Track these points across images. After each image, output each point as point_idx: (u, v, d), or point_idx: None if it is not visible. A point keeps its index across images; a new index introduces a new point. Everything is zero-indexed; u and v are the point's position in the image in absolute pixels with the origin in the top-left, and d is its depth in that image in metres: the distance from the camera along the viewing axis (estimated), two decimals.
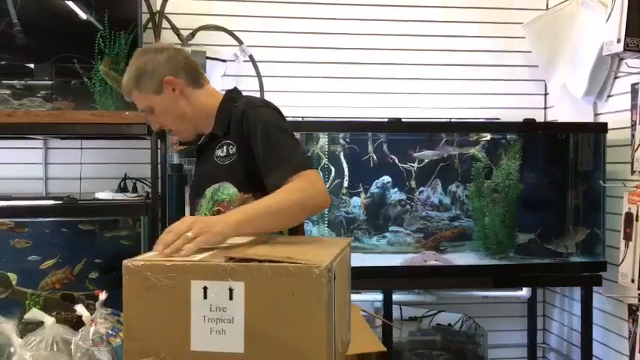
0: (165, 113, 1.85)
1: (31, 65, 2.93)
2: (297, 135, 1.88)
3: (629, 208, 2.52)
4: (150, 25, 3.22)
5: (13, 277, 2.70)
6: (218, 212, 1.74)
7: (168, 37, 3.27)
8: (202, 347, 1.16)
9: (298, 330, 1.15)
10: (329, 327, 1.17)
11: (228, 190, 1.79)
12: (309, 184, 1.60)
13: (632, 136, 2.72)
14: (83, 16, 2.91)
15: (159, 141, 2.91)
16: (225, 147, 1.80)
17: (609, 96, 3.04)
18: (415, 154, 3.12)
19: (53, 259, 2.71)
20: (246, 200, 1.72)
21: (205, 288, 1.16)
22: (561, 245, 3.11)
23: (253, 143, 1.72)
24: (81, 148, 3.24)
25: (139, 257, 1.29)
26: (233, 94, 1.90)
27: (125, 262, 1.20)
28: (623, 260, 2.54)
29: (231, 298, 1.16)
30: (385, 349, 1.60)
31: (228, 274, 1.16)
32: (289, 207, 1.56)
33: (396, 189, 3.20)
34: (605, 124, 2.98)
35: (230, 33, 3.30)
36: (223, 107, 1.86)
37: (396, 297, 2.98)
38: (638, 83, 2.68)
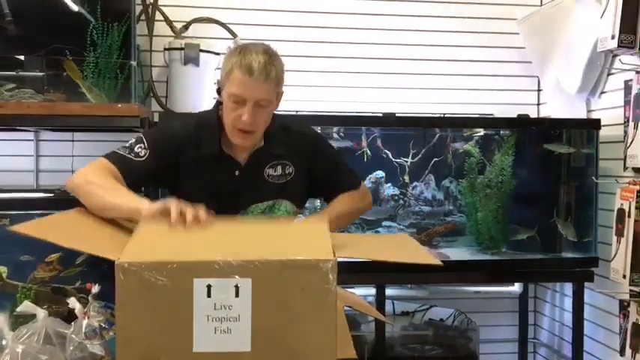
0: (268, 114, 1.85)
1: (22, 57, 2.89)
2: None
3: (622, 205, 2.52)
4: (143, 17, 3.20)
5: (3, 269, 2.68)
6: None
7: (161, 29, 3.25)
8: (206, 348, 1.12)
9: (308, 325, 1.13)
10: (336, 322, 1.15)
11: (286, 206, 1.93)
12: (365, 195, 2.10)
13: (625, 132, 2.73)
14: (74, 7, 2.87)
15: None
16: (279, 167, 1.91)
17: (602, 92, 3.04)
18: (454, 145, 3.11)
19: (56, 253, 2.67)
20: (299, 213, 1.98)
21: (209, 286, 1.12)
22: (554, 241, 3.12)
23: (325, 162, 2.01)
24: (72, 141, 3.21)
25: (130, 251, 1.25)
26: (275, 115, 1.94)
27: (118, 261, 1.15)
28: (615, 256, 2.55)
29: (237, 295, 1.13)
30: (355, 356, 1.56)
31: (234, 271, 1.13)
32: (354, 212, 2.07)
33: (389, 184, 3.19)
34: (598, 120, 2.98)
35: (224, 26, 3.28)
36: (272, 126, 1.90)
37: (388, 292, 2.98)
38: (631, 80, 2.68)
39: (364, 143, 3.11)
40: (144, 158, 1.83)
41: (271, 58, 1.80)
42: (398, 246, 1.56)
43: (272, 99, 1.81)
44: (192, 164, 1.87)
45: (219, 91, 1.88)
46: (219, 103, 1.91)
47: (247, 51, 1.78)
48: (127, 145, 1.85)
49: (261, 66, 1.76)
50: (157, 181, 2.05)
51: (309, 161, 1.95)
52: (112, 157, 1.84)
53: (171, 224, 1.43)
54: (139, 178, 1.84)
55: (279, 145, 1.91)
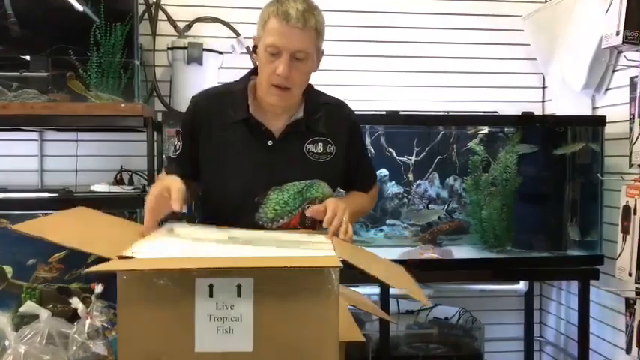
0: (307, 74, 1.75)
1: (27, 57, 2.90)
2: None
3: (627, 202, 2.51)
4: (146, 16, 3.20)
5: (8, 269, 2.69)
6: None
7: (164, 28, 3.25)
8: (208, 348, 1.12)
9: (310, 325, 1.12)
10: (338, 322, 1.15)
11: (322, 188, 1.79)
12: (374, 198, 2.04)
13: (630, 129, 2.71)
14: (79, 7, 2.88)
15: (155, 133, 2.89)
16: (321, 144, 1.78)
17: (608, 89, 3.03)
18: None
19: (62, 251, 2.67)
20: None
21: (211, 285, 1.12)
22: (559, 239, 3.11)
23: (359, 150, 1.92)
24: (77, 140, 3.22)
25: (131, 251, 1.26)
26: (312, 87, 1.85)
27: (120, 260, 1.15)
28: (620, 254, 2.53)
29: (239, 294, 1.12)
30: (363, 339, 1.56)
31: (236, 270, 1.12)
32: (367, 210, 2.04)
33: (393, 182, 3.19)
34: (604, 117, 2.97)
35: (227, 25, 3.28)
36: (313, 100, 1.81)
37: (393, 290, 2.97)
38: (636, 76, 2.67)
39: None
40: (180, 150, 1.80)
41: (311, 8, 1.68)
42: (393, 271, 1.54)
43: (310, 52, 1.69)
44: (214, 134, 1.75)
45: (254, 49, 1.77)
46: (250, 72, 1.84)
47: (286, 1, 1.67)
48: (175, 142, 1.85)
49: (299, 13, 1.63)
50: None
51: (348, 145, 1.83)
52: (167, 164, 1.90)
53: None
54: (187, 170, 1.75)
55: (320, 121, 1.79)
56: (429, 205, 3.20)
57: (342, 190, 2.01)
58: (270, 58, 1.66)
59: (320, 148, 1.78)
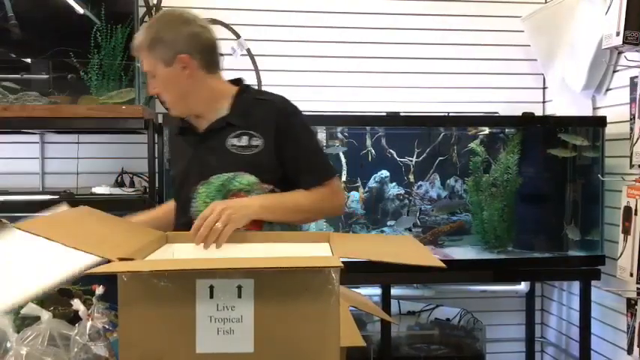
0: (166, 85, 1.81)
1: (28, 60, 2.91)
2: None
3: (628, 202, 2.51)
4: (147, 18, 3.20)
5: None
6: None
7: None
8: (209, 349, 1.11)
9: (311, 326, 1.12)
10: (339, 323, 1.15)
11: (247, 179, 1.78)
12: (333, 195, 1.83)
13: (631, 129, 2.71)
14: (80, 10, 2.88)
15: (156, 135, 2.90)
16: (244, 137, 1.79)
17: (608, 89, 3.03)
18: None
19: None
20: (268, 191, 1.79)
21: (212, 287, 1.12)
22: (561, 239, 3.11)
23: (292, 143, 1.81)
24: (78, 143, 3.22)
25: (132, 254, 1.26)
26: (248, 86, 1.92)
27: (121, 262, 1.16)
28: (621, 254, 2.53)
29: (239, 296, 1.13)
30: (364, 344, 1.56)
31: (237, 271, 1.13)
32: (309, 210, 1.80)
33: (394, 183, 3.19)
34: (604, 117, 2.97)
35: (227, 26, 3.28)
36: (243, 98, 1.85)
37: (394, 291, 2.98)
38: (637, 77, 2.67)
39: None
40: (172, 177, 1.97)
41: (147, 27, 1.78)
42: (401, 248, 1.55)
43: (153, 70, 1.79)
44: (175, 151, 1.99)
45: None
46: None
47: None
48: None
49: (137, 39, 1.77)
50: None
51: (276, 138, 1.79)
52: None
53: None
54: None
55: (242, 115, 1.81)
56: (450, 196, 3.20)
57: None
58: None
59: (244, 141, 1.79)
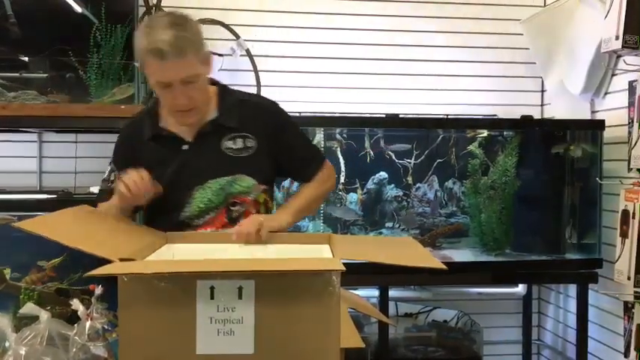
0: (202, 89, 1.75)
1: (26, 58, 2.90)
2: None
3: (626, 206, 2.51)
4: (146, 18, 3.20)
5: (7, 271, 2.68)
6: (233, 205, 1.80)
7: None
8: (209, 350, 1.11)
9: (311, 327, 1.12)
10: (339, 325, 1.15)
11: (247, 182, 1.81)
12: (329, 174, 1.97)
13: (629, 133, 2.72)
14: (78, 9, 2.88)
15: None
16: (239, 139, 1.80)
17: (607, 93, 3.03)
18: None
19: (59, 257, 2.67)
20: (263, 191, 1.85)
21: (212, 288, 1.12)
22: (558, 242, 3.11)
23: (285, 140, 1.86)
24: (76, 142, 3.21)
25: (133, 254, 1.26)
26: (226, 86, 1.90)
27: (121, 263, 1.16)
28: (619, 257, 2.53)
29: (240, 297, 1.12)
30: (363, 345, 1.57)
31: (237, 272, 1.12)
32: (319, 197, 1.97)
33: (392, 185, 3.19)
34: (603, 121, 2.97)
35: (227, 27, 3.28)
36: (228, 99, 1.84)
37: (392, 293, 2.98)
38: (635, 80, 2.67)
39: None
40: (114, 179, 1.84)
41: (179, 29, 1.64)
42: (402, 249, 1.55)
43: (197, 72, 1.69)
44: (138, 154, 1.82)
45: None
46: None
47: (153, 30, 1.63)
48: (105, 176, 1.90)
49: (170, 45, 1.61)
50: None
51: (269, 137, 1.83)
52: (97, 195, 1.91)
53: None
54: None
55: (233, 116, 1.80)
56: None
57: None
58: (163, 90, 1.69)
59: (239, 143, 1.80)
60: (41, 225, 1.35)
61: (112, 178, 1.87)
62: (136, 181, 1.65)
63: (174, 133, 1.81)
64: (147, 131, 1.84)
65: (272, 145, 1.83)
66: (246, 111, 1.83)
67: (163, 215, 1.82)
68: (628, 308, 2.60)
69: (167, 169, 1.80)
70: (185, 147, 1.81)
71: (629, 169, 2.70)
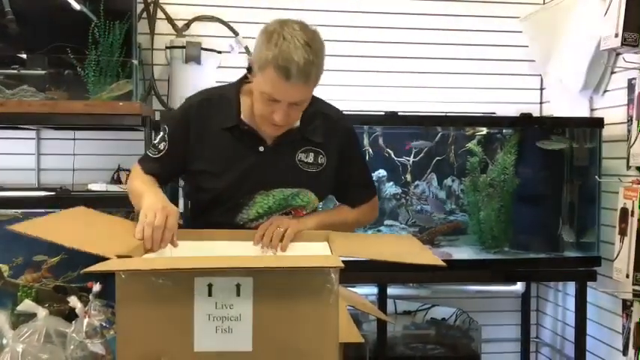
0: (302, 110, 1.72)
1: (24, 55, 2.89)
2: None
3: (625, 204, 2.51)
4: (144, 15, 3.19)
5: (4, 268, 2.68)
6: (286, 214, 1.79)
7: (162, 27, 3.24)
8: (206, 347, 1.11)
9: (309, 325, 1.12)
10: (338, 322, 1.14)
11: (308, 197, 1.80)
12: (372, 211, 1.98)
13: (628, 131, 2.72)
14: (76, 6, 2.87)
15: (152, 132, 2.88)
16: (312, 154, 1.78)
17: (606, 91, 3.03)
18: None
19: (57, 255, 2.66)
20: (315, 206, 1.86)
21: (210, 284, 1.11)
22: (557, 240, 3.11)
23: (352, 165, 1.87)
24: (74, 139, 3.21)
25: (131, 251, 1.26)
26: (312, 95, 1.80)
27: (119, 259, 1.16)
28: (617, 255, 2.54)
29: (238, 294, 1.12)
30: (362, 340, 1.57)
31: (236, 269, 1.12)
32: (351, 225, 1.92)
33: (391, 183, 3.18)
34: (602, 119, 2.97)
35: (225, 24, 3.28)
36: (310, 109, 1.76)
37: (390, 291, 2.98)
38: (634, 78, 2.67)
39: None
40: (164, 152, 1.77)
41: (311, 53, 1.55)
42: (402, 247, 1.55)
43: (309, 96, 1.66)
44: (205, 138, 1.74)
45: (249, 69, 1.71)
46: (244, 78, 1.80)
47: (285, 42, 1.54)
48: (155, 141, 1.81)
49: (301, 68, 1.53)
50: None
51: (340, 158, 1.82)
52: (142, 160, 1.83)
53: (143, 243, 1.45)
54: (165, 173, 1.79)
55: (317, 131, 1.77)
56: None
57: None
58: (266, 100, 1.62)
59: (311, 158, 1.78)
60: (38, 227, 1.34)
61: (161, 147, 1.78)
62: (155, 235, 1.46)
63: (256, 132, 1.74)
64: (224, 120, 1.74)
65: (339, 167, 1.83)
66: (324, 126, 1.80)
67: (217, 210, 1.77)
68: (626, 306, 2.60)
69: (236, 164, 1.74)
70: (261, 149, 1.75)
71: (628, 167, 2.70)
